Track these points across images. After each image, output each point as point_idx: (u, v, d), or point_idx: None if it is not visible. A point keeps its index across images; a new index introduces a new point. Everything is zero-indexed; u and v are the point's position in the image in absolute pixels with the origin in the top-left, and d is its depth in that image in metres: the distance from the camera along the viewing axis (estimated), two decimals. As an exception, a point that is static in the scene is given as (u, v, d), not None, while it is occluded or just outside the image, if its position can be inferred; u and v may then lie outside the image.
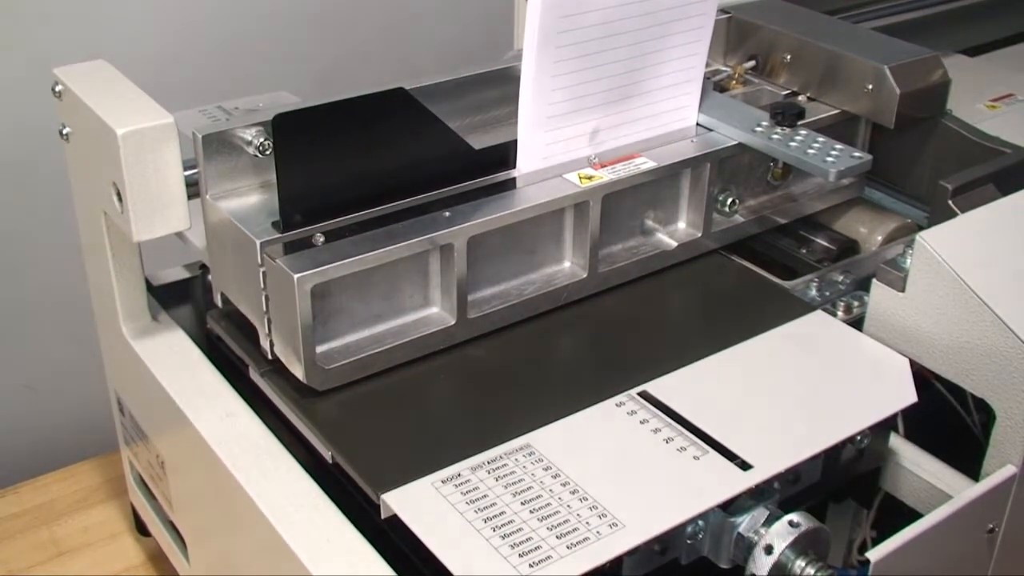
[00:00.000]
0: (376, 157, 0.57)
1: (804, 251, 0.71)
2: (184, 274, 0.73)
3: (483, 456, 0.50)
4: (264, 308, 0.55)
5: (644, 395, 0.54)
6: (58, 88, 0.61)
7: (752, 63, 0.78)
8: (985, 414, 0.56)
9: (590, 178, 0.60)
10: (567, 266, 0.63)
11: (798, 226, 0.73)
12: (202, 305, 0.70)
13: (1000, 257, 0.58)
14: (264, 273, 0.54)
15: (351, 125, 0.57)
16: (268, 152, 0.57)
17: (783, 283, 0.65)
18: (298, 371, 0.55)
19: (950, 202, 0.64)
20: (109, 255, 0.63)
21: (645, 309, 0.63)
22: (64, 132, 0.62)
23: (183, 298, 0.70)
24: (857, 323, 0.61)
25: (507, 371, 0.58)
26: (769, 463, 0.50)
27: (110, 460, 0.86)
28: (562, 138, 0.62)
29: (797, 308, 0.62)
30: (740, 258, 0.68)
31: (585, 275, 0.62)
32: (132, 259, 0.64)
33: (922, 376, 0.58)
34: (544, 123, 0.61)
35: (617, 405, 0.54)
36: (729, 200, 0.67)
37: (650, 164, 0.63)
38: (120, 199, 0.57)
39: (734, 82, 0.77)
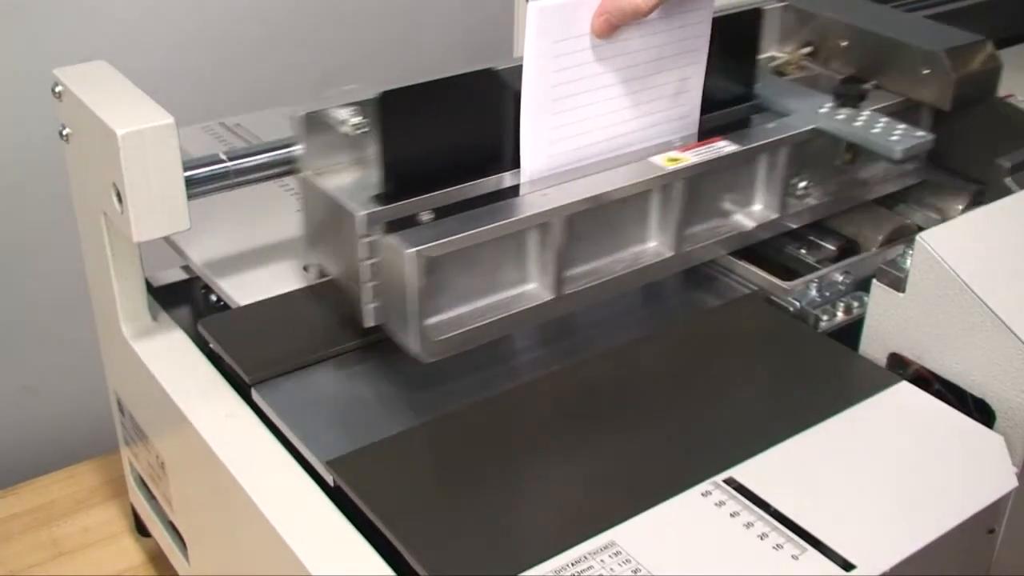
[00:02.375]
0: (473, 133, 0.60)
1: (804, 251, 0.71)
2: (184, 275, 0.73)
3: (566, 557, 0.46)
4: (367, 278, 0.57)
5: (731, 482, 0.50)
6: (58, 88, 0.61)
7: (808, 49, 0.79)
8: (985, 414, 0.56)
9: (676, 160, 0.62)
10: (653, 245, 0.65)
11: (798, 227, 0.73)
12: (202, 306, 0.70)
13: (1000, 257, 0.58)
14: (369, 246, 0.56)
15: (448, 103, 0.59)
16: (362, 131, 0.58)
17: (783, 283, 0.65)
18: (411, 342, 0.55)
19: (1007, 180, 0.66)
20: (109, 255, 0.63)
21: (712, 378, 0.59)
22: (64, 133, 0.62)
23: (183, 299, 0.70)
24: (857, 323, 0.61)
25: (570, 448, 0.54)
26: (872, 562, 0.46)
27: (110, 460, 0.86)
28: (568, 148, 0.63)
29: (880, 379, 0.58)
30: (739, 258, 0.68)
31: (671, 254, 0.64)
32: (132, 259, 0.64)
33: (922, 376, 0.58)
34: (547, 147, 0.61)
35: (703, 495, 0.50)
36: (801, 184, 0.68)
37: (731, 147, 0.64)
38: (120, 199, 0.57)
39: (792, 67, 0.78)
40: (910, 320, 0.58)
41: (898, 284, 0.58)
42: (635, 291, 0.67)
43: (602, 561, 0.46)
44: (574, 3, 0.59)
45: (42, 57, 0.71)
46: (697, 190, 0.64)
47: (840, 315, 0.63)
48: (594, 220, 0.61)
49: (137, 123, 0.55)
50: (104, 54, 0.64)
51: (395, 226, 0.56)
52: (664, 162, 0.62)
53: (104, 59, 0.63)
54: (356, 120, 0.58)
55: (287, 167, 0.64)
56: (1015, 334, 0.53)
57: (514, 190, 0.60)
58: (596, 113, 0.62)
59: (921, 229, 0.61)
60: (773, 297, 0.65)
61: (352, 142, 0.59)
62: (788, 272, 0.68)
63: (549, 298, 0.59)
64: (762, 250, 0.70)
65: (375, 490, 0.50)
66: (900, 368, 0.59)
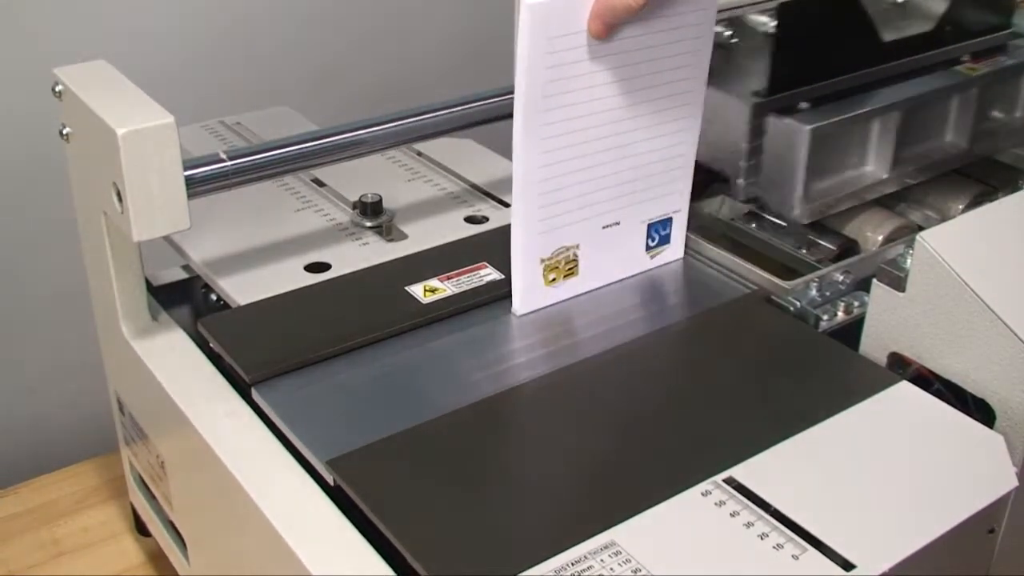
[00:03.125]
0: (829, 45, 0.72)
1: (804, 251, 0.71)
2: (184, 275, 0.73)
3: (565, 557, 0.46)
4: (747, 159, 0.69)
5: (731, 482, 0.50)
6: (58, 88, 0.61)
7: None
8: (985, 414, 0.56)
9: (973, 69, 0.76)
10: (948, 140, 0.77)
11: (798, 226, 0.73)
12: (202, 305, 0.70)
13: (1000, 257, 0.58)
14: (754, 131, 0.68)
15: (812, 21, 0.70)
16: (732, 41, 0.71)
17: (783, 283, 0.65)
18: (794, 206, 0.68)
19: None
20: (109, 255, 0.63)
21: (712, 377, 0.59)
22: (64, 132, 0.62)
23: (183, 298, 0.70)
24: (857, 323, 0.61)
25: (570, 448, 0.54)
26: (872, 561, 0.46)
27: (110, 460, 0.86)
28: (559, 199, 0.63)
29: (880, 379, 0.58)
30: (740, 258, 0.68)
31: (965, 147, 0.76)
32: (132, 259, 0.64)
33: (922, 376, 0.58)
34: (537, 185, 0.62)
35: (703, 494, 0.49)
36: None
37: (1011, 61, 0.78)
38: (120, 199, 0.57)
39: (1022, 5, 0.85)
40: (910, 320, 0.58)
41: (898, 284, 0.58)
42: (635, 291, 0.67)
43: (602, 561, 0.46)
44: (568, 2, 0.59)
45: (42, 57, 0.71)
46: (982, 95, 0.77)
47: (840, 315, 0.63)
48: (910, 118, 0.73)
49: (137, 123, 0.55)
50: (104, 54, 0.64)
51: (784, 112, 0.69)
52: (964, 70, 0.76)
53: (104, 59, 0.63)
54: (727, 33, 0.71)
55: (289, 165, 0.64)
56: (1015, 334, 0.53)
57: (862, 87, 0.73)
58: (591, 111, 0.62)
59: (921, 229, 0.61)
60: (773, 297, 0.65)
61: (721, 52, 0.70)
62: (788, 272, 0.68)
63: (884, 176, 0.72)
64: (762, 250, 0.70)
65: (375, 490, 0.50)
66: (900, 368, 0.59)
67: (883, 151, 0.72)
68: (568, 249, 0.65)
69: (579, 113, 0.62)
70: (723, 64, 0.70)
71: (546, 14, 0.58)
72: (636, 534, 0.47)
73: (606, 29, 0.59)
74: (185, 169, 0.58)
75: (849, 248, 0.71)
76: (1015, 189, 0.76)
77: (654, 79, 0.64)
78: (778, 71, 0.69)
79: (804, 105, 0.69)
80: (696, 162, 0.69)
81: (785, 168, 0.68)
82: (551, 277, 0.65)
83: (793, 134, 0.67)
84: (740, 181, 0.70)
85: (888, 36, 0.74)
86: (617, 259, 0.67)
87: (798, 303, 0.64)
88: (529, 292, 0.64)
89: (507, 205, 0.77)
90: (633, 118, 0.64)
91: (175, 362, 0.62)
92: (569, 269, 0.65)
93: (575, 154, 0.62)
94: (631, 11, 0.59)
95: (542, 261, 0.64)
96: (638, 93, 0.63)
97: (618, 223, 0.66)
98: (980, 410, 0.56)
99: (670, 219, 0.69)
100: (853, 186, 0.71)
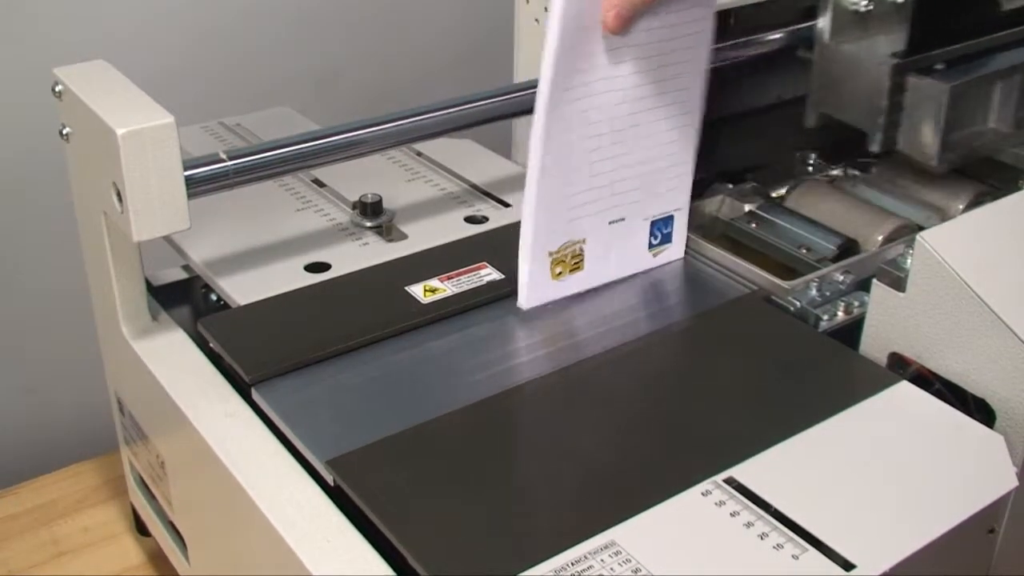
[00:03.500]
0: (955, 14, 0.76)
1: (804, 251, 0.71)
2: (184, 275, 0.73)
3: (565, 557, 0.46)
4: (884, 114, 0.73)
5: (731, 482, 0.50)
6: (58, 88, 0.61)
7: None
8: (985, 414, 0.56)
9: None
10: None
11: (798, 226, 0.73)
12: (202, 305, 0.70)
13: (1000, 257, 0.58)
14: (894, 89, 0.72)
15: None
16: (867, 9, 0.75)
17: (783, 283, 0.65)
18: (933, 155, 0.72)
19: None
20: (109, 255, 0.63)
21: (712, 378, 0.59)
22: (64, 132, 0.62)
23: (183, 298, 0.70)
24: (857, 323, 0.61)
25: (570, 447, 0.54)
26: (872, 562, 0.46)
27: (110, 460, 0.86)
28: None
29: (880, 379, 0.58)
30: (740, 258, 0.68)
31: None
32: (132, 259, 0.64)
33: (922, 376, 0.58)
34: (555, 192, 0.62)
35: (703, 494, 0.49)
36: None
37: None
38: (120, 199, 0.57)
39: None
40: (910, 320, 0.58)
41: (898, 284, 0.58)
42: (635, 291, 0.67)
43: (602, 561, 0.46)
44: None
45: (42, 57, 0.71)
46: None
47: (840, 315, 0.63)
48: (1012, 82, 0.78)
49: (137, 123, 0.55)
50: (104, 54, 0.64)
51: (923, 72, 0.73)
52: None
53: (104, 59, 0.63)
54: (864, 2, 0.75)
55: (289, 165, 0.64)
56: (1015, 334, 0.53)
57: (985, 52, 0.77)
58: (605, 103, 0.62)
59: (921, 229, 0.61)
60: (773, 297, 0.65)
61: (858, 19, 0.76)
62: (788, 272, 0.68)
63: (1007, 132, 0.76)
64: (762, 250, 0.70)
65: (375, 490, 0.50)
66: (900, 368, 0.59)
67: (1006, 109, 0.77)
68: (575, 243, 0.65)
69: (594, 105, 0.62)
70: (859, 31, 0.76)
71: (578, 5, 0.58)
72: (636, 534, 0.47)
73: (622, 23, 0.59)
74: (185, 169, 0.58)
75: (849, 248, 0.71)
76: (1015, 189, 0.76)
77: (661, 72, 0.64)
78: (916, 35, 0.75)
79: (939, 66, 0.75)
80: (829, 119, 0.76)
81: (926, 122, 0.73)
82: (557, 271, 0.65)
83: (934, 91, 0.72)
84: (879, 135, 0.74)
85: (1007, 5, 0.80)
86: (621, 256, 0.67)
87: (798, 303, 0.64)
88: (536, 285, 0.64)
89: (507, 205, 0.77)
90: (640, 112, 0.64)
91: (175, 362, 0.62)
92: (575, 263, 0.65)
93: (589, 147, 0.63)
94: (646, 1, 0.59)
95: (550, 254, 0.64)
96: (648, 87, 0.64)
97: (623, 219, 0.66)
98: (980, 410, 0.56)
99: (671, 217, 0.69)
100: (981, 140, 0.77)
